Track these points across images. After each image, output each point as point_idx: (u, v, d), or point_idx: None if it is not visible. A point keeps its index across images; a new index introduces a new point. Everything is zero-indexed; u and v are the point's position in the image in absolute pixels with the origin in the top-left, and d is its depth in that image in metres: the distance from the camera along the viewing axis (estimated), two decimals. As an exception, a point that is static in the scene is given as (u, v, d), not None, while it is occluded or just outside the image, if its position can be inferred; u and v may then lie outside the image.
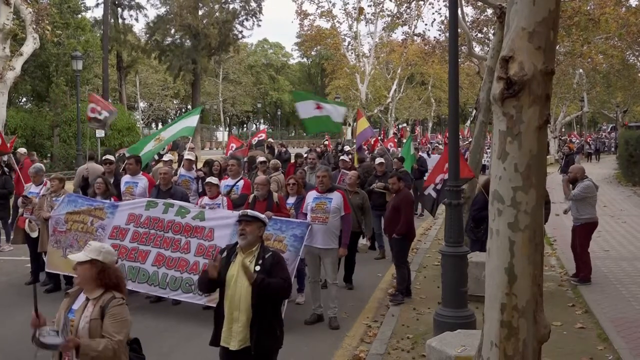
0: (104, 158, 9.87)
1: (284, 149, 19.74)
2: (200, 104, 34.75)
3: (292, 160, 14.75)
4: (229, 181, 8.84)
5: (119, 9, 40.23)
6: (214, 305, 4.55)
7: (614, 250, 10.92)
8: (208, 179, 8.13)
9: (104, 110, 10.84)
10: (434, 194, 7.75)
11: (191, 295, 7.14)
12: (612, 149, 45.84)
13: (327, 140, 27.36)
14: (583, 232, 8.67)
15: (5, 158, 12.24)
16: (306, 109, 11.93)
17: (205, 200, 7.77)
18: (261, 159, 10.62)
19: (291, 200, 7.81)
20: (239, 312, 4.18)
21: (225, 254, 4.38)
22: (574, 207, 8.70)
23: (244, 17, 43.12)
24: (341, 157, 13.61)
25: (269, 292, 4.17)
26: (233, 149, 15.96)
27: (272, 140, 23.17)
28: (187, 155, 10.38)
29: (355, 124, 16.86)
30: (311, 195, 7.32)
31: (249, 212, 4.45)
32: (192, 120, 10.61)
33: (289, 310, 6.60)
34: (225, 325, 4.25)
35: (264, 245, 4.46)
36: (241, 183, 8.73)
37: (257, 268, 4.21)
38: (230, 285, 4.21)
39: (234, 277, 4.20)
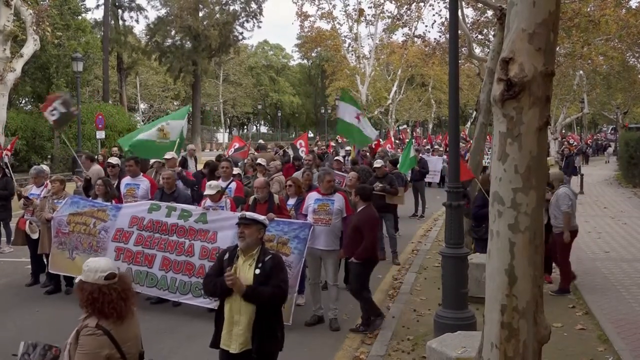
0: (107, 161, 9.87)
1: (282, 151, 19.67)
2: (201, 106, 34.58)
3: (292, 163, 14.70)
4: (221, 182, 8.81)
5: (120, 11, 40.30)
6: None
7: (614, 251, 10.92)
8: (209, 183, 8.10)
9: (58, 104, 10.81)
10: None
11: (201, 300, 7.13)
12: (606, 151, 45.39)
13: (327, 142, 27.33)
14: (563, 240, 8.08)
15: (6, 159, 12.23)
16: (347, 112, 12.71)
17: (208, 202, 7.74)
18: (260, 161, 10.59)
19: (291, 201, 7.81)
20: (240, 315, 4.17)
21: (227, 256, 4.38)
22: (553, 215, 8.12)
23: (244, 18, 43.16)
24: (335, 158, 13.63)
25: (262, 301, 4.15)
26: (235, 147, 15.93)
27: (263, 143, 23.04)
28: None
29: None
30: (312, 196, 7.32)
31: (247, 214, 4.45)
32: (182, 124, 10.77)
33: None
34: (225, 328, 4.23)
35: (264, 247, 4.46)
36: (233, 185, 8.67)
37: (257, 271, 4.20)
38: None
39: (235, 280, 4.19)
